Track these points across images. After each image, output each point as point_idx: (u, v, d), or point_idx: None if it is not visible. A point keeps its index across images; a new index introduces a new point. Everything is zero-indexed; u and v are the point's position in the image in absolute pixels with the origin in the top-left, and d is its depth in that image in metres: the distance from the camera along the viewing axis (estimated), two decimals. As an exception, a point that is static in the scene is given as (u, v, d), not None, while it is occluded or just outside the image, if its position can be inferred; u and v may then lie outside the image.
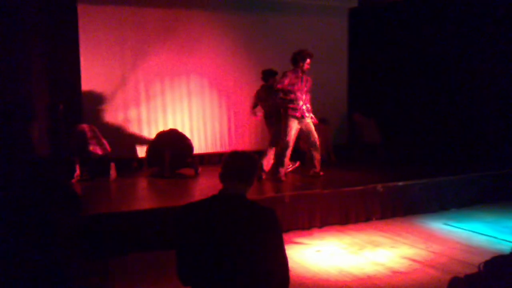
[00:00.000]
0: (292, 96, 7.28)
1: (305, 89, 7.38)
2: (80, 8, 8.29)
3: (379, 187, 7.04)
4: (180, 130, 8.61)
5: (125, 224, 5.60)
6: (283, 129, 7.34)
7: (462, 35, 9.65)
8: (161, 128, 8.70)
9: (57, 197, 3.14)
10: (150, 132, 8.78)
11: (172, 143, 8.26)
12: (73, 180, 7.33)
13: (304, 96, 7.34)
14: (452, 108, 9.91)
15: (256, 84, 9.30)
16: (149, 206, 6.24)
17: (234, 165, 2.66)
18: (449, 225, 6.68)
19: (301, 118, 7.34)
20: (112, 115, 8.61)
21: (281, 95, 7.31)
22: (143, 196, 7.18)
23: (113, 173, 7.62)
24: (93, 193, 7.18)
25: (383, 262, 5.27)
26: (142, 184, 7.89)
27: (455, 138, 9.77)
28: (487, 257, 2.47)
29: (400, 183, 7.22)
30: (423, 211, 7.22)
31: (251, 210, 2.54)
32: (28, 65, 7.17)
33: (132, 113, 8.76)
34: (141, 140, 8.79)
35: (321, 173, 7.53)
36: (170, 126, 8.80)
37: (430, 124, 10.15)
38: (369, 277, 4.85)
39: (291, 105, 7.29)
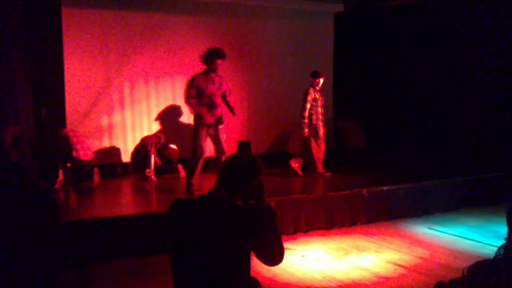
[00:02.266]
0: (205, 100, 6.88)
1: (219, 92, 6.95)
2: (64, 12, 8.19)
3: (364, 191, 7.04)
4: (165, 134, 8.56)
5: (108, 230, 5.54)
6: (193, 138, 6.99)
7: (448, 41, 9.72)
8: (145, 133, 8.64)
9: (31, 203, 3.08)
10: (134, 137, 8.70)
11: (157, 148, 8.22)
12: (56, 186, 7.24)
13: (217, 101, 6.93)
14: (436, 113, 9.97)
15: (242, 88, 9.27)
16: (133, 212, 6.20)
17: (224, 172, 2.62)
18: (433, 229, 6.70)
19: (210, 125, 6.92)
20: (96, 120, 8.52)
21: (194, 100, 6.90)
22: (127, 202, 7.12)
23: (96, 178, 7.53)
24: (76, 199, 7.11)
25: (368, 267, 5.26)
26: (126, 189, 7.82)
27: (439, 143, 9.83)
28: (472, 262, 2.47)
29: (385, 188, 7.24)
30: (408, 216, 7.24)
31: (230, 212, 2.50)
32: (10, 69, 7.07)
33: (117, 118, 8.68)
34: (126, 145, 8.71)
35: None
36: (155, 130, 8.75)
37: (414, 128, 10.19)
38: (354, 283, 4.84)
39: (201, 111, 6.88)
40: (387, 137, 10.34)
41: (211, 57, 6.87)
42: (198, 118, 6.94)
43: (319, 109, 8.10)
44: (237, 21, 9.49)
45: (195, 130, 6.98)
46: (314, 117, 8.08)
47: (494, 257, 2.45)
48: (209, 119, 6.90)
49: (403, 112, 10.32)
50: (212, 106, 6.89)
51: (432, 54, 9.98)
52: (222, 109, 7.07)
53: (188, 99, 6.95)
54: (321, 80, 8.11)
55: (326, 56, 10.51)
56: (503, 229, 2.52)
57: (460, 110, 9.67)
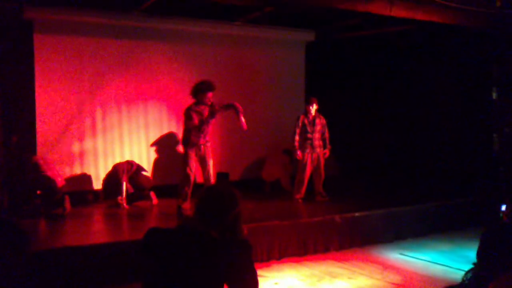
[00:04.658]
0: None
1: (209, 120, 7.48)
2: (36, 38, 8.15)
3: (337, 218, 7.09)
4: (137, 161, 8.50)
5: (79, 258, 5.46)
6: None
7: (418, 69, 9.96)
8: (117, 160, 8.55)
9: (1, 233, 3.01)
10: (106, 163, 8.61)
11: (129, 175, 8.16)
12: (26, 213, 7.10)
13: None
14: (407, 140, 10.14)
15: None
16: (105, 240, 6.11)
17: (201, 203, 2.61)
18: (405, 255, 6.76)
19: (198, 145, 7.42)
20: (68, 146, 8.43)
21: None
22: (99, 230, 7.03)
23: (67, 206, 7.42)
24: (46, 227, 6.99)
25: (341, 293, 5.28)
26: (98, 217, 7.72)
27: (410, 170, 9.97)
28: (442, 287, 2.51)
29: (357, 214, 7.30)
30: (380, 241, 7.29)
31: (205, 244, 2.49)
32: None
33: (88, 145, 8.60)
34: (97, 172, 8.62)
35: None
36: (127, 157, 8.67)
37: (385, 155, 10.34)
38: (327, 309, 4.84)
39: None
40: (359, 164, 10.46)
41: (202, 91, 7.34)
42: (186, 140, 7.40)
43: (309, 135, 8.28)
44: (209, 49, 9.55)
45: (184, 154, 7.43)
46: (300, 143, 8.29)
47: (461, 283, 2.50)
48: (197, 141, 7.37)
49: (374, 139, 10.46)
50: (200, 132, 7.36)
51: (402, 82, 10.20)
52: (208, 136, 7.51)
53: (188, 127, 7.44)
54: (311, 107, 8.33)
55: (298, 84, 10.63)
56: (473, 254, 2.57)
57: (430, 137, 9.85)
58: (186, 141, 7.41)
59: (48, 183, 7.31)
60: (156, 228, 2.66)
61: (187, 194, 7.25)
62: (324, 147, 8.43)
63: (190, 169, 7.32)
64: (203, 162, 7.50)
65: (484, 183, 8.97)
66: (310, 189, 8.44)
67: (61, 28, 8.30)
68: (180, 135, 9.20)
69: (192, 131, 7.33)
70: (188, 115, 7.40)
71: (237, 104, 7.38)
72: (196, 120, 7.33)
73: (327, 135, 8.46)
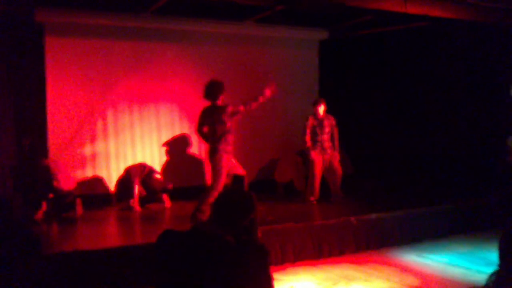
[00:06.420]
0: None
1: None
2: (48, 41, 8.16)
3: (352, 220, 6.98)
4: (149, 164, 8.47)
5: (91, 262, 5.41)
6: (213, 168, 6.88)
7: (433, 66, 9.81)
8: (129, 162, 8.54)
9: (13, 237, 2.98)
10: (118, 166, 8.59)
11: (142, 178, 8.12)
12: (37, 217, 7.08)
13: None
14: (423, 139, 9.99)
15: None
16: (117, 244, 6.08)
17: (218, 207, 2.60)
18: (423, 257, 6.64)
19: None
20: (79, 149, 8.41)
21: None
22: (111, 233, 7.00)
23: (79, 209, 7.40)
24: (58, 230, 6.98)
25: (357, 297, 5.18)
26: (110, 220, 7.70)
27: (427, 169, 9.82)
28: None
29: (373, 216, 7.19)
30: (397, 244, 7.16)
31: (221, 248, 2.45)
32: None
33: (100, 147, 8.58)
34: (109, 175, 8.59)
35: None
36: (139, 160, 8.64)
37: (401, 155, 10.19)
38: (344, 314, 4.74)
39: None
40: (374, 163, 10.32)
41: (216, 93, 7.04)
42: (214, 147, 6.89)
43: (318, 137, 8.19)
44: (220, 49, 9.49)
45: (216, 161, 6.82)
46: (311, 144, 8.20)
47: (485, 285, 2.42)
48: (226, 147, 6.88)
49: (390, 138, 10.32)
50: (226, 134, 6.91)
51: (417, 80, 10.05)
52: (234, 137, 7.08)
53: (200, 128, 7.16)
54: (319, 108, 8.24)
55: (312, 83, 10.55)
56: (493, 256, 2.49)
57: (447, 137, 9.70)
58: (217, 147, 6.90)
59: (59, 186, 7.30)
60: (170, 231, 2.65)
61: (206, 209, 6.53)
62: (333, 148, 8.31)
63: (221, 183, 6.73)
64: (232, 169, 7.04)
65: (502, 183, 8.80)
66: (324, 190, 8.33)
67: (72, 30, 8.30)
68: (192, 136, 9.18)
69: (221, 137, 6.86)
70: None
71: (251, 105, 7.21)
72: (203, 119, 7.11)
73: (336, 136, 8.33)
